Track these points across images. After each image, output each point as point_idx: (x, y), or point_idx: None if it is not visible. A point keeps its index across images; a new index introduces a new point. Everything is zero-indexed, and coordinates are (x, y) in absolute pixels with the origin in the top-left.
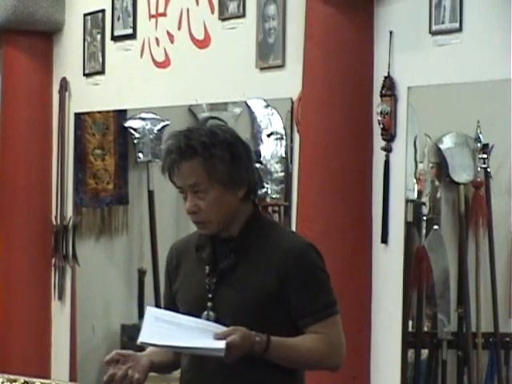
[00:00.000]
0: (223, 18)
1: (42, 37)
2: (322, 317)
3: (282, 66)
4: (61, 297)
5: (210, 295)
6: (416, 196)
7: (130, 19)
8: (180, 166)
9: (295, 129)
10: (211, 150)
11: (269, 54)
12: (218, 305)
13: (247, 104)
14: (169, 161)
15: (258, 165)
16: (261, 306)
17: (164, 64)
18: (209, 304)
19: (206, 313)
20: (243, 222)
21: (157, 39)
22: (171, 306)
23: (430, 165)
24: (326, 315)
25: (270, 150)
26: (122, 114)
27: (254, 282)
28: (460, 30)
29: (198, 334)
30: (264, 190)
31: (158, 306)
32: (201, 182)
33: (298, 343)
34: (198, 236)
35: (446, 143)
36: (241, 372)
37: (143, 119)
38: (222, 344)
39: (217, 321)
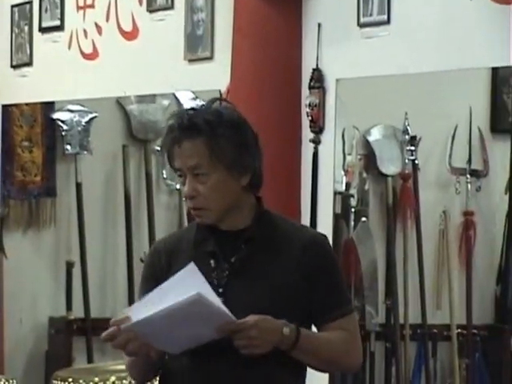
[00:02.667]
0: (151, 9)
1: None
2: (347, 311)
3: (210, 58)
4: None
5: (220, 290)
6: (344, 188)
7: (58, 11)
8: (181, 145)
9: None
10: (216, 129)
11: (197, 46)
12: (229, 300)
13: (175, 96)
14: (170, 139)
15: None
16: (278, 301)
17: (92, 56)
18: (220, 299)
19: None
20: (250, 213)
21: (85, 31)
22: None
23: (359, 157)
24: (349, 311)
25: None
26: (49, 106)
27: (272, 277)
28: (388, 22)
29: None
30: None
31: (85, 297)
32: (203, 163)
33: (326, 338)
34: (196, 231)
35: (374, 135)
36: (248, 372)
37: (71, 111)
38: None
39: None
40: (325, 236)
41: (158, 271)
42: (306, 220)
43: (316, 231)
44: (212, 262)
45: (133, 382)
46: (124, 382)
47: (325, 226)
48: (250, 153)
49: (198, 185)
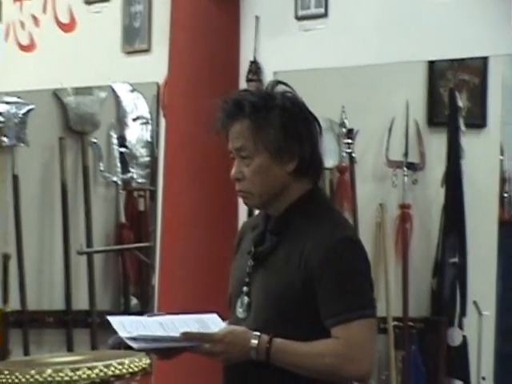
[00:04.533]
0: (89, 1)
1: None
2: (342, 320)
3: (147, 51)
4: None
5: (246, 279)
6: None
7: None
8: (232, 126)
9: (161, 113)
10: (261, 112)
11: (135, 38)
12: (252, 290)
13: (113, 88)
14: (220, 122)
15: (123, 149)
16: (287, 295)
17: (29, 48)
18: (244, 288)
19: (240, 298)
20: (292, 201)
21: (22, 23)
22: None
23: None
24: (348, 319)
25: (136, 134)
26: None
27: (282, 272)
28: (325, 15)
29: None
30: (129, 175)
31: (22, 289)
32: (247, 146)
33: (307, 348)
34: (258, 214)
35: None
36: (259, 372)
37: (8, 103)
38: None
39: (249, 306)
40: (347, 238)
41: (235, 248)
42: (243, 213)
43: (341, 231)
44: (252, 249)
45: (69, 373)
46: (60, 374)
47: None
48: (297, 139)
49: (244, 167)
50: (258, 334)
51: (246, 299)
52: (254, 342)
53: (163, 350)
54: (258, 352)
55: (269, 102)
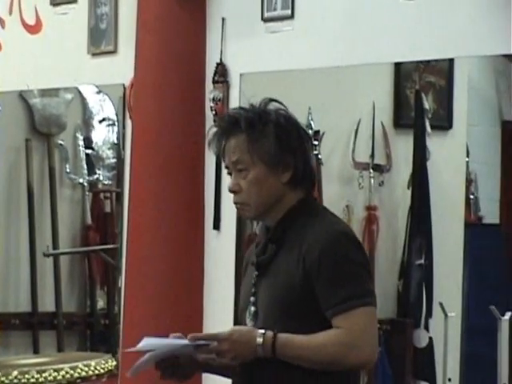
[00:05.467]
0: (55, 3)
1: None
2: (343, 309)
3: (114, 52)
4: None
5: (253, 290)
6: None
7: None
8: (228, 142)
9: (127, 115)
10: (256, 126)
11: (101, 40)
12: (258, 299)
13: (79, 90)
14: (216, 139)
15: (89, 151)
16: (289, 298)
17: None
18: (251, 299)
19: (248, 308)
20: (287, 209)
21: None
22: None
23: None
24: (348, 307)
25: (102, 136)
26: None
27: (283, 274)
28: (292, 17)
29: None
30: (95, 177)
31: None
32: (243, 158)
33: (310, 340)
34: (260, 231)
35: None
36: (271, 370)
37: None
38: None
39: (256, 314)
40: (342, 232)
41: (243, 272)
42: (209, 214)
43: (336, 227)
44: (255, 259)
45: (35, 375)
46: (26, 376)
47: (228, 221)
48: (291, 150)
49: (240, 180)
50: (263, 331)
51: (252, 309)
52: (260, 339)
53: (180, 369)
54: (264, 348)
55: (263, 118)
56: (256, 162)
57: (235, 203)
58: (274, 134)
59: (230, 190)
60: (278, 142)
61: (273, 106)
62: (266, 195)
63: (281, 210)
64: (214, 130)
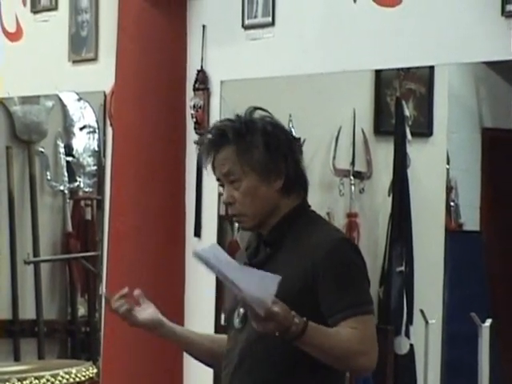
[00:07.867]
0: (35, 10)
1: None
2: (351, 314)
3: (94, 59)
4: None
5: None
6: None
7: None
8: (217, 155)
9: (108, 122)
10: (244, 137)
11: (81, 47)
12: None
13: (59, 97)
14: (205, 152)
15: (69, 158)
16: (288, 302)
17: None
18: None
19: (237, 310)
20: (283, 215)
21: None
22: None
23: None
24: (356, 313)
25: (83, 143)
26: None
27: (282, 279)
28: (272, 24)
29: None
30: (76, 184)
31: None
32: (234, 169)
33: (334, 332)
34: (251, 235)
35: None
36: (257, 373)
37: None
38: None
39: (245, 316)
40: (343, 239)
41: None
42: (190, 222)
43: (335, 234)
44: (246, 261)
45: (16, 383)
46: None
47: (209, 228)
48: (281, 158)
49: (233, 191)
50: (294, 313)
51: (241, 310)
52: (296, 319)
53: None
54: (297, 327)
55: (250, 127)
56: (247, 172)
57: (232, 215)
58: (262, 142)
59: (225, 203)
60: (267, 149)
61: (258, 114)
62: (261, 204)
63: (277, 218)
64: (203, 143)
